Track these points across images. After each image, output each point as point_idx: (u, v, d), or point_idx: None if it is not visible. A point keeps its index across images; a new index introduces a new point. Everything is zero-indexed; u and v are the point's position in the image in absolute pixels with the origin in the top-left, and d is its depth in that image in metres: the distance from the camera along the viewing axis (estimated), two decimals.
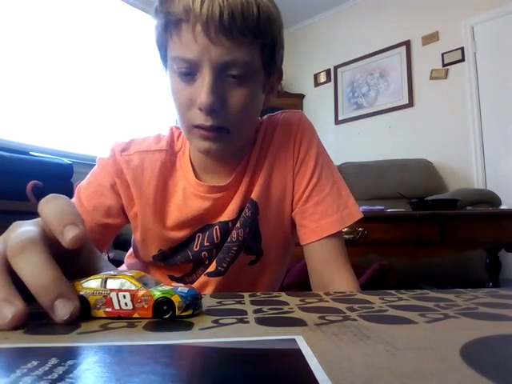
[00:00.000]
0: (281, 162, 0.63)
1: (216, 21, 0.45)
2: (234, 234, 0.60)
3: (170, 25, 0.49)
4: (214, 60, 0.48)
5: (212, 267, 0.61)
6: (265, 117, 0.66)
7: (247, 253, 0.62)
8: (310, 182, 0.61)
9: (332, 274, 0.59)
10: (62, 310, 0.24)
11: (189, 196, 0.60)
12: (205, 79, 0.48)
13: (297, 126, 0.64)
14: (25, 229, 0.28)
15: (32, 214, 0.31)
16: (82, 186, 0.61)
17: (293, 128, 0.63)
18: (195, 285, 0.62)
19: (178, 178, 0.62)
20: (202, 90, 0.48)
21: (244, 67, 0.50)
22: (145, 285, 0.28)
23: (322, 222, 0.59)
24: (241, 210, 0.61)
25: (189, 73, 0.50)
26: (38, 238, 0.27)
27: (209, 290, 0.61)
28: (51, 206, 0.29)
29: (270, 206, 0.62)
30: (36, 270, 0.25)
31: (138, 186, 0.60)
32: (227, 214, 0.60)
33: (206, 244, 0.61)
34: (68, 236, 0.27)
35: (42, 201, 0.30)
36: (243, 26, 0.47)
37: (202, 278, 0.62)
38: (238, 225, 0.60)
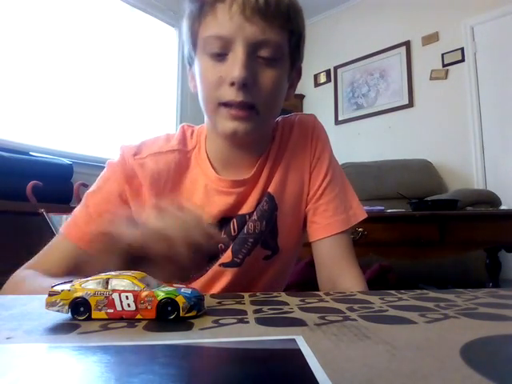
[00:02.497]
0: (298, 158, 0.65)
1: (252, 2, 0.50)
2: (250, 225, 0.61)
3: (206, 6, 0.53)
4: (248, 37, 0.51)
5: (227, 258, 0.61)
6: (279, 118, 0.68)
7: (264, 247, 0.63)
8: (324, 180, 0.64)
9: (340, 269, 0.61)
10: None
11: (210, 192, 0.60)
12: (238, 55, 0.51)
13: (312, 126, 0.67)
14: None
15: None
16: (90, 193, 0.60)
17: (309, 128, 0.67)
18: (209, 275, 0.61)
19: (196, 175, 0.62)
20: (235, 65, 0.51)
21: (274, 49, 0.53)
22: (147, 285, 0.28)
23: (332, 219, 0.62)
24: (258, 204, 0.62)
25: (220, 53, 0.52)
26: None
27: (224, 281, 0.61)
28: None
29: (288, 200, 0.64)
30: None
31: (156, 188, 0.59)
32: (245, 208, 0.61)
33: (223, 237, 0.61)
34: None
35: None
36: (276, 9, 0.51)
37: (217, 269, 0.61)
38: (254, 217, 0.61)
